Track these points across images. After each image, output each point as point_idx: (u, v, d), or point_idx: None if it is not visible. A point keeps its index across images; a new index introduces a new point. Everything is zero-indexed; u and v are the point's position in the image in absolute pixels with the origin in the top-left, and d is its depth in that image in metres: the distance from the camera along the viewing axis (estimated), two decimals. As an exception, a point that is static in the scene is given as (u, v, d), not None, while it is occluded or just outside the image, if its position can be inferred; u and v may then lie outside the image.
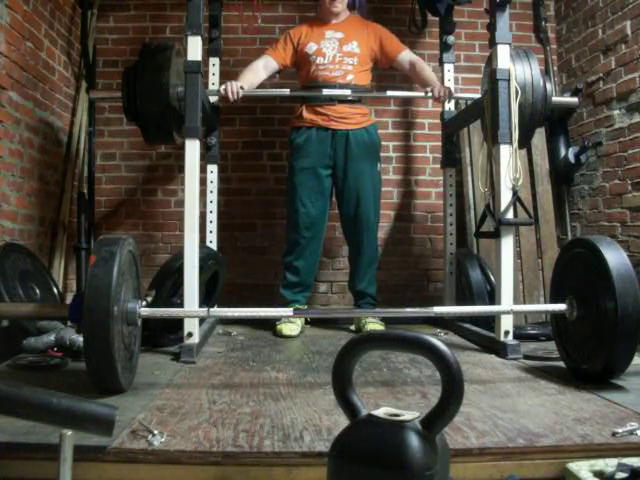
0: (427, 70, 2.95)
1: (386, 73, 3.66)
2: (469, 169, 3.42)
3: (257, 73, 2.92)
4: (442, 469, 0.97)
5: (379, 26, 3.04)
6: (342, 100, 2.88)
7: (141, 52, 2.49)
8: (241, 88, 2.72)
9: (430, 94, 2.77)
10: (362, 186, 2.91)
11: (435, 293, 3.55)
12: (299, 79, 3.08)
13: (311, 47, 2.92)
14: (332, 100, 2.87)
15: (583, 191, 3.39)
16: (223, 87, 2.72)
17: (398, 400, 1.66)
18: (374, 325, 2.85)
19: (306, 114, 2.91)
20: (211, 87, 3.05)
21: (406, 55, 2.97)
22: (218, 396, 1.69)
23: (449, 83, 3.06)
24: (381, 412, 1.02)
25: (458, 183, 3.24)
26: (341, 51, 2.90)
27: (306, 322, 3.02)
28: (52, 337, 2.21)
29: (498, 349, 2.31)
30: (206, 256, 2.64)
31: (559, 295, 2.02)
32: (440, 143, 3.23)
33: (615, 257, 1.79)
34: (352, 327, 3.01)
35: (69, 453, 0.98)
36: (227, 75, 3.44)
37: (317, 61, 2.91)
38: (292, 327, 2.79)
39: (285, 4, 3.68)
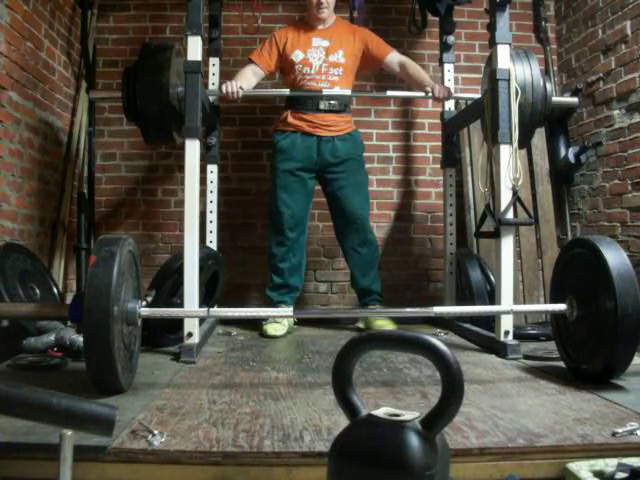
0: (419, 70, 2.95)
1: (386, 73, 3.66)
2: (469, 169, 3.42)
3: (249, 79, 2.90)
4: (442, 469, 0.96)
5: (366, 30, 3.05)
6: (329, 109, 2.91)
7: (141, 52, 2.49)
8: (240, 88, 2.72)
9: (430, 94, 2.78)
10: (353, 186, 2.94)
11: (435, 293, 3.55)
12: (285, 82, 3.08)
13: (297, 55, 2.91)
14: (319, 110, 2.88)
15: (583, 191, 3.39)
16: (223, 87, 2.72)
17: (398, 400, 1.66)
18: (385, 324, 2.83)
19: (291, 119, 2.92)
20: (211, 87, 3.05)
21: (394, 56, 2.97)
22: (218, 396, 1.69)
23: (449, 83, 3.06)
24: (381, 412, 1.02)
25: (458, 183, 3.24)
26: (327, 61, 2.90)
27: (295, 322, 3.02)
28: (52, 337, 2.21)
29: (498, 349, 2.31)
30: (206, 256, 2.64)
31: (559, 295, 2.02)
32: (440, 143, 3.23)
33: (615, 257, 1.79)
34: (361, 325, 2.98)
35: (69, 453, 0.98)
36: (227, 75, 3.43)
37: (303, 70, 2.91)
38: (277, 327, 2.79)
39: (285, 4, 3.68)
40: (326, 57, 2.90)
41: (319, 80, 2.90)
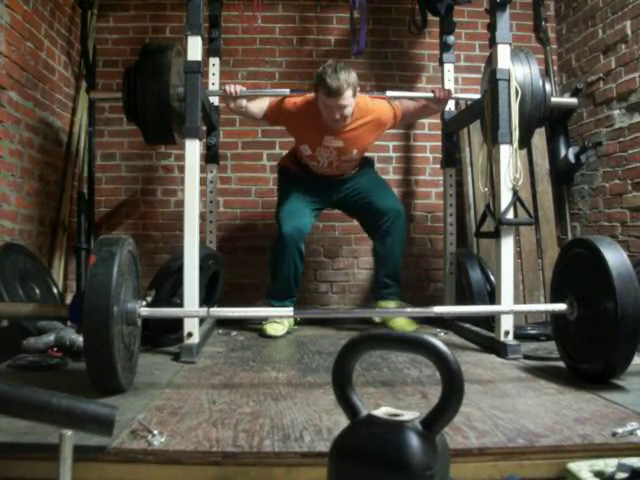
0: (415, 101, 2.94)
1: (386, 73, 3.67)
2: (469, 169, 3.42)
3: (251, 102, 2.82)
4: (442, 469, 0.96)
5: (385, 117, 2.81)
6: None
7: (141, 52, 2.48)
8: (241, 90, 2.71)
9: (432, 94, 2.78)
10: (371, 183, 2.94)
11: (435, 293, 3.55)
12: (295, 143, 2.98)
13: (305, 149, 2.82)
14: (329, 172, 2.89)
15: (583, 191, 3.39)
16: (225, 87, 2.71)
17: (398, 400, 1.66)
18: (405, 324, 2.83)
19: (299, 170, 2.95)
20: (211, 87, 3.05)
21: (401, 110, 2.88)
22: (218, 396, 1.69)
23: (449, 83, 3.06)
24: (381, 412, 1.02)
25: (458, 183, 3.24)
26: (339, 159, 2.82)
27: (295, 323, 2.98)
28: (52, 337, 2.20)
29: (498, 349, 2.31)
30: (206, 256, 2.64)
31: (559, 295, 2.02)
32: (440, 143, 3.23)
33: (615, 257, 1.79)
34: (377, 320, 2.98)
35: (69, 453, 0.98)
36: (227, 75, 3.45)
37: (311, 164, 2.87)
38: (277, 327, 2.78)
39: (285, 4, 3.68)
40: (338, 156, 2.80)
41: (329, 172, 2.88)
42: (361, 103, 2.72)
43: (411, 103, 2.93)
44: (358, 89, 2.63)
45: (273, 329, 2.77)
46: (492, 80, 2.35)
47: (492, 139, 2.38)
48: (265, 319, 2.84)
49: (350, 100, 2.57)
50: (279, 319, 2.82)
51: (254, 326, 2.95)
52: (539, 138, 3.45)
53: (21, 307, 2.16)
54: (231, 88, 2.68)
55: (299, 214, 2.84)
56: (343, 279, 3.61)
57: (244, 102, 2.73)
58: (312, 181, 2.92)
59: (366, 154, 3.08)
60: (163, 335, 2.42)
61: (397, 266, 2.95)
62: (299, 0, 3.68)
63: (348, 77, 2.52)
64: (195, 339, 2.24)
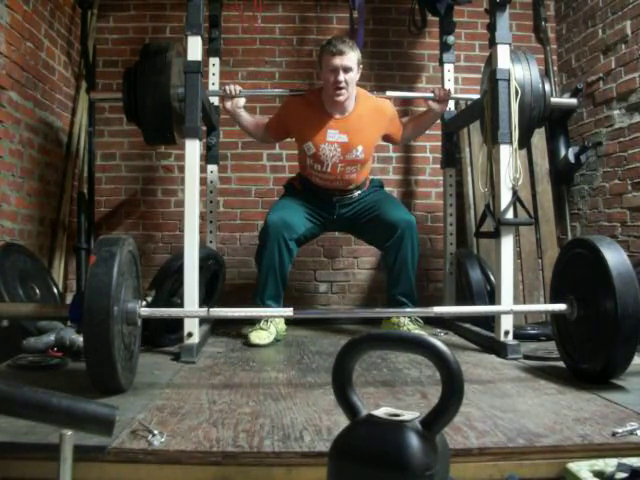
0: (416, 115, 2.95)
1: (386, 73, 3.67)
2: (469, 169, 3.42)
3: (251, 116, 2.84)
4: (442, 469, 0.96)
5: (388, 110, 2.78)
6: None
7: (141, 53, 2.48)
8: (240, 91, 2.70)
9: (432, 94, 2.77)
10: (385, 205, 2.78)
11: (435, 293, 3.55)
12: (297, 152, 2.85)
13: (309, 148, 2.66)
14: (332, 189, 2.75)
15: (583, 191, 3.39)
16: (224, 87, 2.71)
17: (398, 400, 1.66)
18: (412, 328, 2.73)
19: (303, 187, 2.82)
20: (211, 87, 3.05)
21: (404, 129, 2.86)
22: (218, 396, 1.69)
23: (449, 83, 3.06)
24: (381, 412, 1.02)
25: (458, 183, 3.24)
26: (344, 160, 2.65)
27: (286, 322, 2.83)
28: (52, 337, 2.20)
29: (498, 349, 2.31)
30: (206, 256, 2.64)
31: (559, 295, 2.02)
32: (440, 143, 3.23)
33: (615, 257, 1.79)
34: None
35: (69, 453, 0.98)
36: (227, 75, 3.45)
37: (315, 167, 2.70)
38: (262, 335, 2.58)
39: (285, 4, 3.68)
40: (343, 155, 2.65)
41: (333, 180, 2.71)
42: (362, 93, 2.73)
43: (406, 119, 2.96)
44: (361, 66, 2.63)
45: (257, 337, 2.57)
46: (492, 80, 2.35)
47: (492, 139, 2.38)
48: (254, 323, 2.73)
49: (354, 65, 2.56)
50: (265, 325, 2.65)
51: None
52: (539, 138, 3.45)
53: (21, 307, 2.17)
54: (230, 87, 2.69)
55: (290, 213, 2.69)
56: (343, 279, 3.61)
57: (241, 102, 2.72)
58: (314, 196, 2.78)
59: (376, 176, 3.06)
60: (163, 335, 2.42)
61: (412, 283, 2.75)
62: (299, 0, 3.68)
63: (353, 45, 2.58)
64: (195, 339, 2.24)
